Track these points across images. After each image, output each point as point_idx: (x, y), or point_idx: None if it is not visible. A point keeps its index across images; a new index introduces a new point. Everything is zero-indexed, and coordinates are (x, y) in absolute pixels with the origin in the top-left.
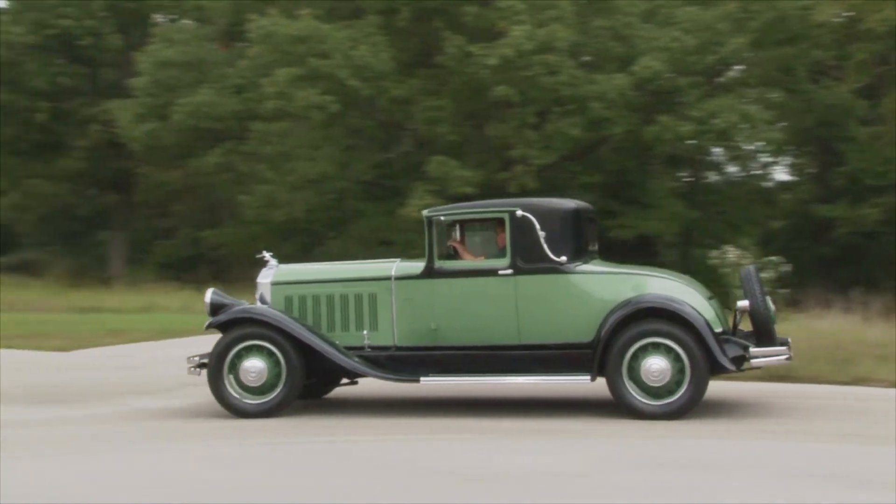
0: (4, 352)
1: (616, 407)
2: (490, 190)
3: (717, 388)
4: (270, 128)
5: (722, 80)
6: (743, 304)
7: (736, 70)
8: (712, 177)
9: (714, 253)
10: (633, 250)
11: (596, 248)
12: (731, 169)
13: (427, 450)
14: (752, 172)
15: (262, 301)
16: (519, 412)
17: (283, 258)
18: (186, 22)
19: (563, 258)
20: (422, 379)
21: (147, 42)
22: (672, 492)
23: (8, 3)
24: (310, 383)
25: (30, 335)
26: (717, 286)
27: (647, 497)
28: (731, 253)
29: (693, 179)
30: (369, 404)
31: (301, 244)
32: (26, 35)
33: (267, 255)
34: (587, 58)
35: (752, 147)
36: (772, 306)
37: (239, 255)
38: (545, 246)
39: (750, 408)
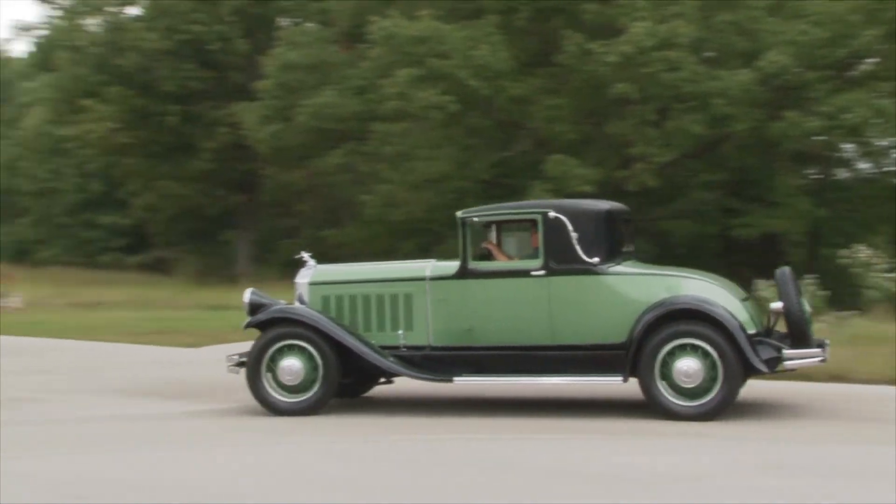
0: (138, 348)
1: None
2: (609, 188)
3: (832, 389)
4: (391, 128)
5: (854, 73)
6: (776, 305)
7: (868, 63)
8: (842, 174)
9: (844, 252)
10: (757, 249)
11: (632, 248)
12: (863, 165)
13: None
14: (886, 169)
15: (301, 301)
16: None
17: (404, 257)
18: (310, 25)
19: (596, 259)
20: (455, 379)
21: (272, 45)
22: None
23: (142, 11)
24: (346, 382)
25: (162, 331)
26: (848, 286)
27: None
28: (863, 252)
29: (822, 176)
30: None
31: (420, 243)
32: (160, 41)
33: (305, 255)
34: (710, 53)
35: (885, 143)
36: (807, 308)
37: (360, 254)
38: (577, 247)
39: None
